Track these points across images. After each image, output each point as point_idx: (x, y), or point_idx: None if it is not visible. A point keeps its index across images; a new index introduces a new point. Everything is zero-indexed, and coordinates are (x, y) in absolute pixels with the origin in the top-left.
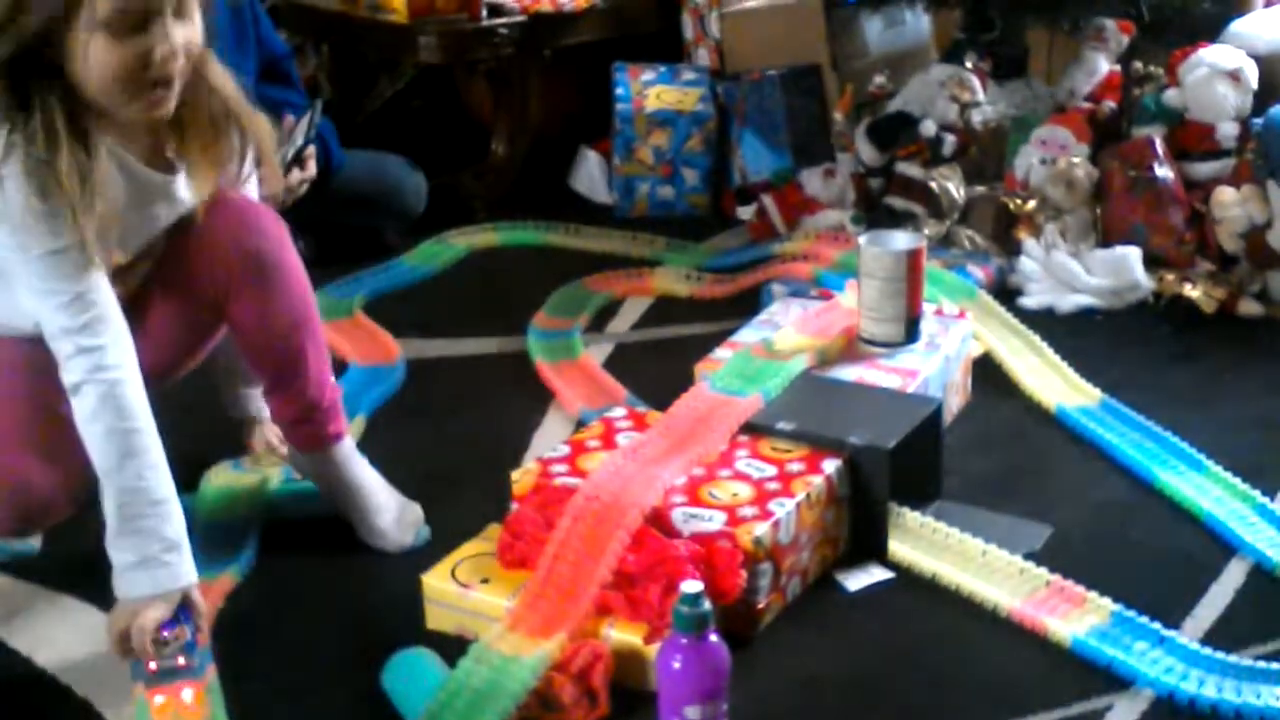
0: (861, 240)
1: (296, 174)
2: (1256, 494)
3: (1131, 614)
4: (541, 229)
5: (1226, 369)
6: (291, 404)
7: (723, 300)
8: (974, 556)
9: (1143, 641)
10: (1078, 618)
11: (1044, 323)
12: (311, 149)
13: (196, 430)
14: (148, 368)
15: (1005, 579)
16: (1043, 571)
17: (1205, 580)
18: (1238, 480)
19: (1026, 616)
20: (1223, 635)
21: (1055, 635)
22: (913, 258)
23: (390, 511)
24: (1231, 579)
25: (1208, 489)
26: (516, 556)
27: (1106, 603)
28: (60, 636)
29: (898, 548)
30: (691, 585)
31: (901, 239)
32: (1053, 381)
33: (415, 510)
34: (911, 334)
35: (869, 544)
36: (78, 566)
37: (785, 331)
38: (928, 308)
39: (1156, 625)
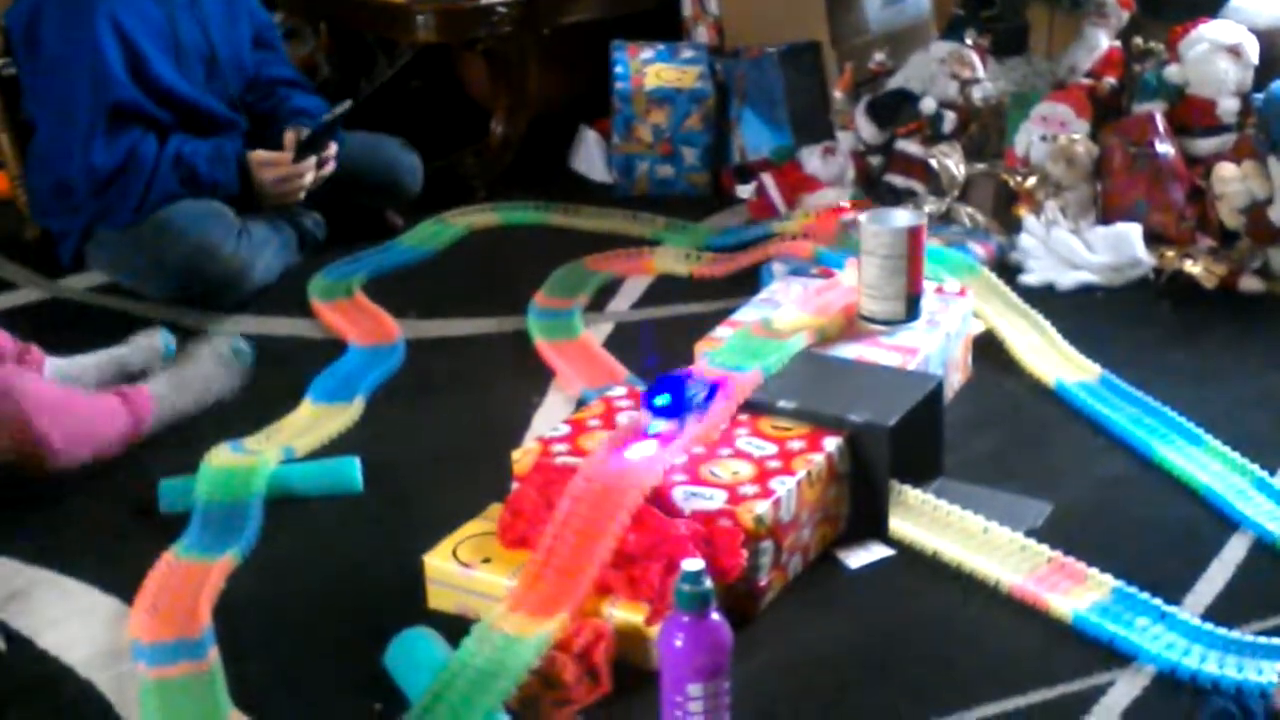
0: (862, 218)
1: (310, 165)
2: (1256, 469)
3: (1132, 590)
4: (541, 208)
5: (1227, 345)
6: None
7: (722, 279)
8: (975, 534)
9: (1144, 617)
10: (1079, 594)
11: (1044, 300)
12: (334, 148)
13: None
14: None
15: (1006, 556)
16: (1044, 548)
17: (1206, 556)
18: (1238, 455)
19: (1028, 593)
20: (1224, 611)
21: (1056, 612)
22: (913, 235)
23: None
24: (1232, 554)
25: (1208, 464)
26: (517, 536)
27: (1107, 579)
28: (63, 619)
29: (899, 525)
30: (693, 564)
31: (902, 216)
32: (1053, 358)
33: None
34: (912, 312)
35: (870, 522)
36: (81, 549)
37: (785, 310)
38: (928, 285)
39: (1158, 601)
